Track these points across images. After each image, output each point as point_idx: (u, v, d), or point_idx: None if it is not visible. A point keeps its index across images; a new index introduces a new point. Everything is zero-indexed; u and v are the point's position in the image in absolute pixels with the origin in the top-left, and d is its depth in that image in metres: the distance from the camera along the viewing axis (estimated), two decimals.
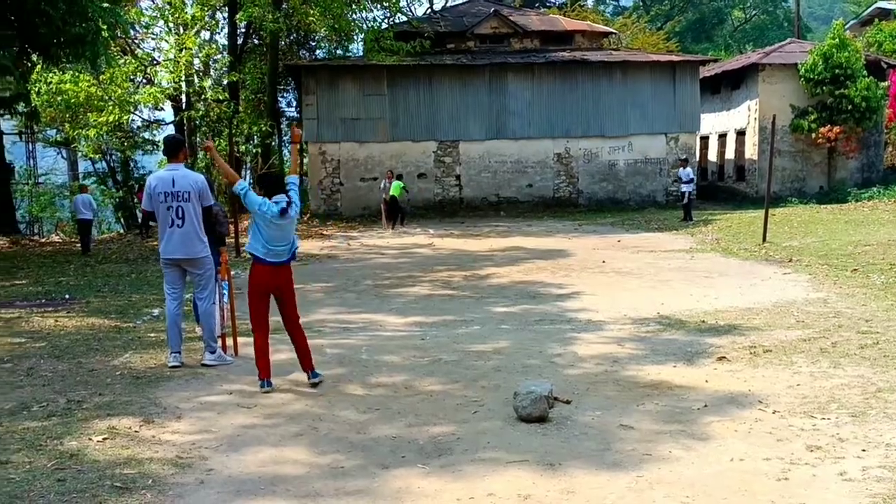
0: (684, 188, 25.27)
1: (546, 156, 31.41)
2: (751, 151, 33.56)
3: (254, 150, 33.50)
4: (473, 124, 30.88)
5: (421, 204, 30.45)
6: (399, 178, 27.59)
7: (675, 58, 32.89)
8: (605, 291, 12.70)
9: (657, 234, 22.00)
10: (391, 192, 26.00)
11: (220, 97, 30.99)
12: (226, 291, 8.67)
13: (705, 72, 34.48)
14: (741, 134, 34.38)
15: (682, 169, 25.63)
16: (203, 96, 32.14)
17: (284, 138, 39.03)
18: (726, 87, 35.46)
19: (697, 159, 34.20)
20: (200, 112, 32.17)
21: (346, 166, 30.65)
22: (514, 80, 30.87)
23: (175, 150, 7.96)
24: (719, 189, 35.50)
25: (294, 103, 41.94)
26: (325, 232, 26.01)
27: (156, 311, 11.46)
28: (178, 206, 7.73)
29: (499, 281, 14.29)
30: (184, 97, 33.50)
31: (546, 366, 7.91)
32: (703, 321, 9.98)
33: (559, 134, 31.29)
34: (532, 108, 31.03)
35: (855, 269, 13.54)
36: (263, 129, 30.62)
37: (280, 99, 40.01)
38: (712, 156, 37.28)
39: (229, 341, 8.76)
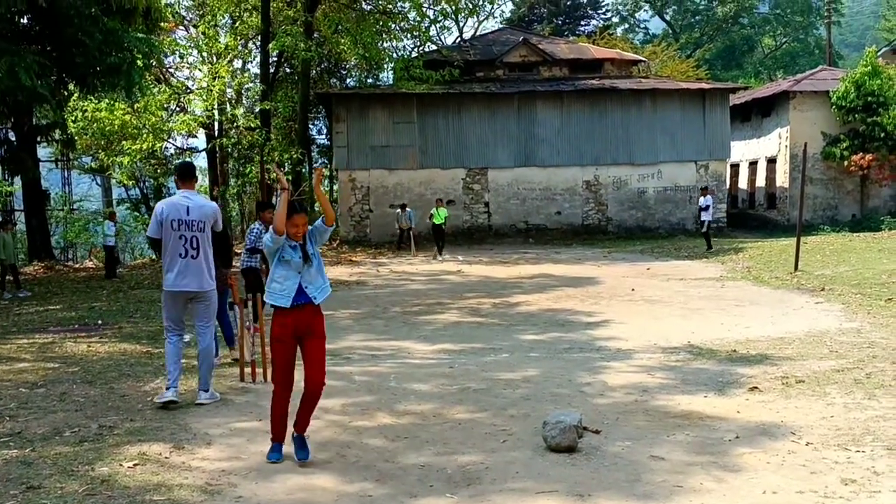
0: (703, 217, 25.08)
1: (575, 183, 31.41)
2: (782, 179, 33.33)
3: (284, 178, 33.84)
4: (502, 152, 31.00)
5: (450, 231, 30.53)
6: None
7: (704, 85, 32.89)
8: (634, 320, 12.66)
9: (687, 262, 21.91)
10: (435, 220, 25.97)
11: (252, 125, 31.37)
12: (248, 315, 8.72)
13: (735, 99, 34.42)
14: (772, 161, 34.18)
15: (702, 198, 25.46)
16: (235, 124, 32.56)
17: (315, 165, 39.38)
18: (757, 114, 35.32)
19: (728, 187, 34.05)
20: (233, 139, 32.56)
21: (376, 193, 30.85)
22: (542, 108, 30.99)
23: (189, 175, 7.64)
24: (750, 217, 35.28)
25: (325, 131, 42.35)
26: (354, 258, 26.12)
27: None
28: (192, 237, 7.31)
29: (528, 308, 14.29)
30: (216, 125, 33.95)
31: (575, 395, 7.87)
32: (735, 350, 9.89)
33: (588, 161, 31.30)
34: (561, 136, 31.11)
35: (889, 299, 13.35)
36: (294, 156, 30.93)
37: (311, 126, 40.44)
38: (743, 183, 37.07)
39: (248, 367, 8.79)
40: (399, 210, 26.99)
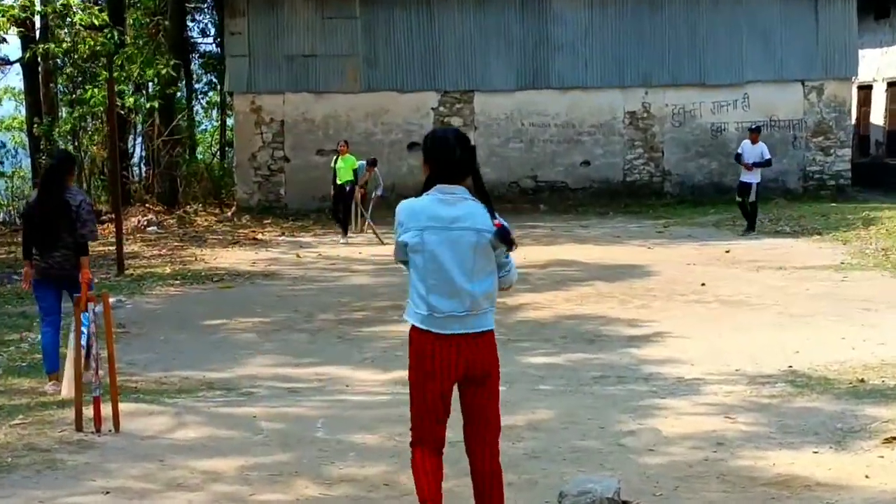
0: (749, 178, 23.58)
1: (612, 116, 31.39)
2: None
3: (148, 106, 33.55)
4: (497, 66, 30.87)
5: (412, 192, 30.01)
6: (373, 163, 26.53)
7: None
8: (704, 332, 12.70)
9: (789, 241, 22.00)
10: (339, 178, 25.11)
11: (96, 22, 30.96)
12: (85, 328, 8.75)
13: None
14: None
15: (746, 143, 24.38)
16: (69, 20, 32.12)
17: (197, 85, 39.18)
18: None
19: (853, 122, 34.11)
20: (65, 45, 32.20)
21: (295, 131, 30.69)
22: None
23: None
24: (889, 170, 35.35)
25: (212, 31, 42.00)
26: (259, 235, 26.02)
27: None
28: None
29: (536, 315, 14.32)
30: (37, 22, 33.54)
31: (611, 450, 7.91)
32: (862, 380, 9.96)
33: (633, 81, 31.27)
34: (590, 42, 31.02)
35: None
36: (164, 71, 30.62)
37: (190, 25, 40.07)
38: (877, 116, 37.09)
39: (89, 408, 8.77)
40: (365, 166, 26.56)
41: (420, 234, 5.78)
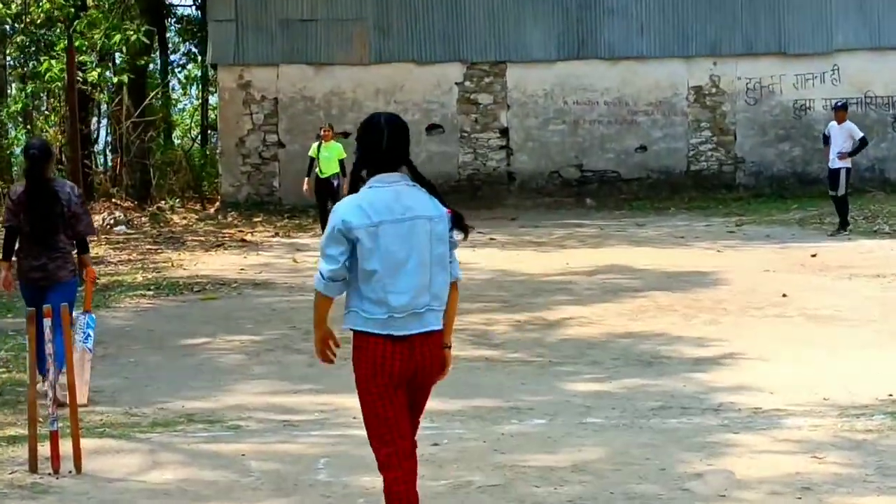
0: (838, 164, 23.59)
1: (674, 92, 31.41)
2: None
3: (115, 81, 33.60)
4: (534, 32, 30.94)
5: (434, 183, 30.41)
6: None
7: None
8: (785, 353, 12.67)
9: (888, 243, 22.01)
10: (320, 171, 25.25)
11: None
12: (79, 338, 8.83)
13: None
14: None
15: (834, 124, 24.23)
16: None
17: (174, 56, 39.30)
18: None
19: None
20: (14, 6, 32.34)
21: (291, 111, 30.79)
22: None
23: None
24: None
25: None
26: (248, 236, 26.07)
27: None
28: None
29: (582, 332, 14.34)
30: None
31: (673, 496, 7.89)
32: None
33: (699, 50, 31.33)
34: (646, 3, 31.07)
35: None
36: (133, 38, 30.65)
37: None
38: None
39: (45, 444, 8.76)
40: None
41: (375, 231, 6.07)
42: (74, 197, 10.83)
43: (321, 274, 6.19)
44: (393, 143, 6.21)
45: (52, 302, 9.81)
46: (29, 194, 10.69)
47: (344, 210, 6.13)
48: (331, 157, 24.71)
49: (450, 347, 6.53)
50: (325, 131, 25.42)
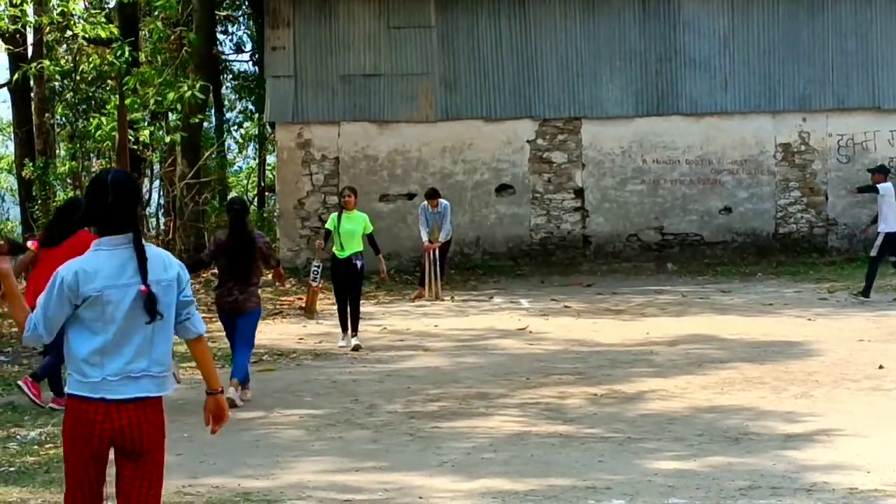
0: (881, 227, 23.96)
1: (761, 149, 31.47)
2: None
3: (168, 140, 33.75)
4: (610, 87, 31.11)
5: (504, 247, 30.44)
6: (434, 193, 26.21)
7: None
8: (883, 430, 12.60)
9: None
10: (336, 251, 20.28)
11: (102, 33, 31.27)
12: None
13: None
14: None
15: (880, 185, 24.27)
16: (70, 32, 32.53)
17: (230, 114, 39.50)
18: None
19: None
20: (64, 63, 32.57)
21: (353, 171, 30.94)
22: (692, 1, 30.86)
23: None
24: None
25: (249, 45, 42.49)
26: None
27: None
28: None
29: (664, 406, 14.34)
30: (29, 35, 33.97)
31: None
32: None
33: (787, 105, 31.42)
34: (731, 55, 31.13)
35: None
36: (188, 96, 30.80)
37: (221, 39, 40.51)
38: None
39: None
40: (427, 205, 26.45)
41: (99, 294, 6.32)
42: (263, 242, 15.31)
43: (35, 325, 6.34)
44: (117, 202, 6.37)
45: (240, 326, 15.04)
46: (233, 241, 14.81)
47: (68, 270, 6.31)
48: (354, 230, 20.20)
49: (221, 392, 6.92)
50: (347, 196, 20.80)
